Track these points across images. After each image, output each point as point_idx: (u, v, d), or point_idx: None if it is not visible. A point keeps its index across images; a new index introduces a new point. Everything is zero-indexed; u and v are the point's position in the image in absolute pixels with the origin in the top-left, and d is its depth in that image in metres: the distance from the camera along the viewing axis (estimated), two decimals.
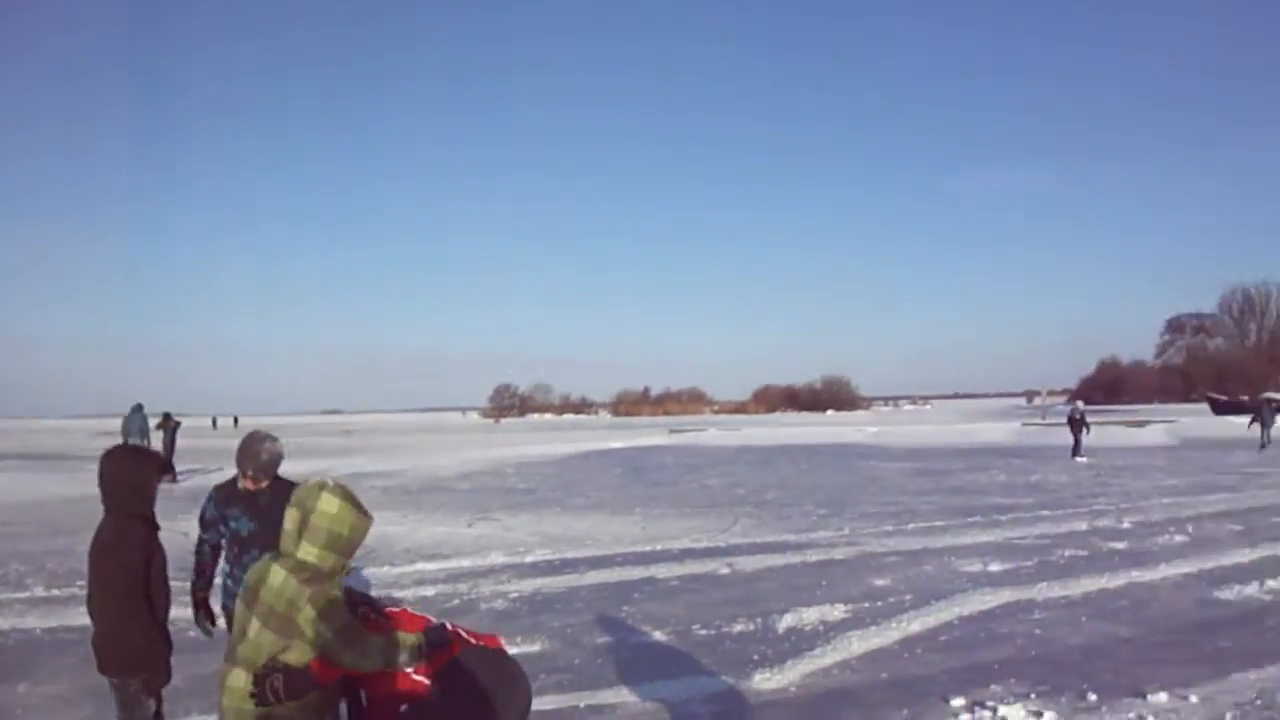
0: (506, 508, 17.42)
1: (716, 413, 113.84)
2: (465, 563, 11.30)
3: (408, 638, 3.11)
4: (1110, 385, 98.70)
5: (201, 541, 4.93)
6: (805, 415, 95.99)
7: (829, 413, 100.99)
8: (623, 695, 6.02)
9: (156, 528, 3.97)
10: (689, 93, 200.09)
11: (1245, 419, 35.53)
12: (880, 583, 9.53)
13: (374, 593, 9.60)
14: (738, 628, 7.82)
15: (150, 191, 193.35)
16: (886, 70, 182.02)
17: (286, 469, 4.96)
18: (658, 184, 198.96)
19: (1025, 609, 8.22)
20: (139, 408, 23.70)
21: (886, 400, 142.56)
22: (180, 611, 4.76)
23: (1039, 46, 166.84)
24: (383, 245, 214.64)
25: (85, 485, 7.17)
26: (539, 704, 5.81)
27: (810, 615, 8.14)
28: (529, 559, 11.52)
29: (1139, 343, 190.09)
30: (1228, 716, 5.27)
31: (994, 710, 5.50)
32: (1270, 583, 8.87)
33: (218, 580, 4.93)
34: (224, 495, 4.86)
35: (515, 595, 9.37)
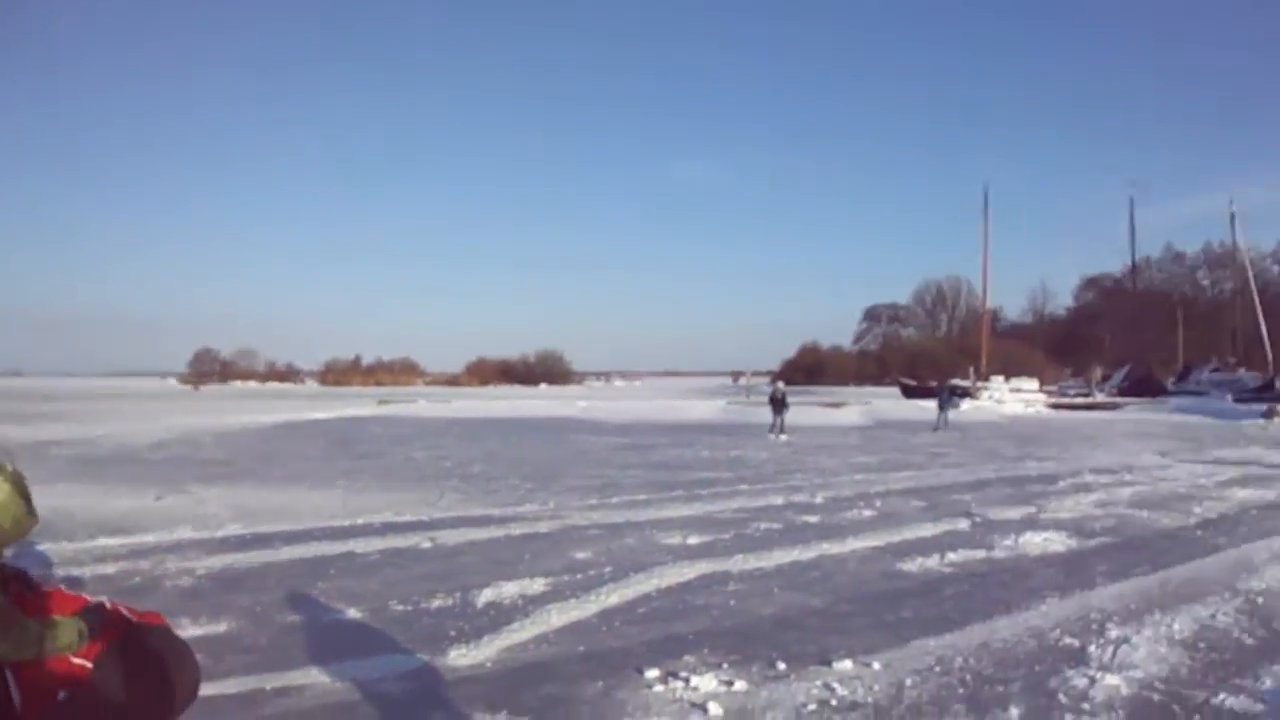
0: (200, 480, 17.10)
1: (429, 384, 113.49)
2: (150, 538, 10.97)
3: (65, 621, 2.96)
4: (811, 368, 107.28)
5: None
6: (518, 389, 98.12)
7: (542, 387, 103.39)
8: (312, 676, 5.98)
9: None
10: (397, 57, 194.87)
11: (934, 403, 39.81)
12: (581, 556, 9.98)
13: (51, 571, 8.92)
14: (436, 603, 7.95)
15: None
16: (605, 56, 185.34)
17: None
18: (374, 143, 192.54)
19: (721, 581, 8.82)
20: None
21: (599, 376, 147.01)
22: None
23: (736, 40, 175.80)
24: (70, 197, 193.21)
25: None
26: (222, 687, 5.63)
27: (510, 589, 8.38)
28: (220, 534, 11.33)
29: (838, 329, 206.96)
30: (908, 682, 5.91)
31: (687, 680, 5.88)
32: (950, 555, 10.00)
33: None
34: None
35: (203, 572, 9.18)
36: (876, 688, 5.82)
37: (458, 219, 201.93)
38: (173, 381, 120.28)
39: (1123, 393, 58.12)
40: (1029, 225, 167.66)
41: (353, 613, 7.68)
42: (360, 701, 5.58)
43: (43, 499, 3.40)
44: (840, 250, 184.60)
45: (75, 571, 9.05)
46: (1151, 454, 23.35)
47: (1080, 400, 55.10)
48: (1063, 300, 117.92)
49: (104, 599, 3.24)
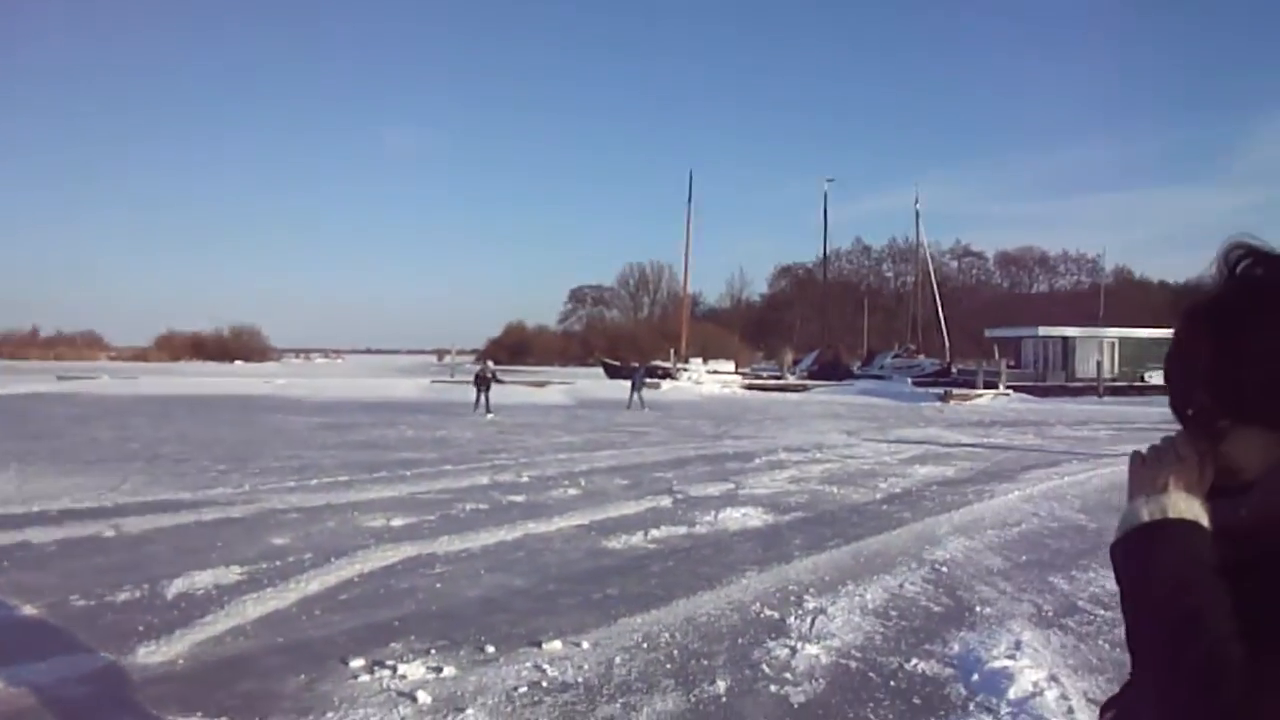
0: None
1: (114, 360, 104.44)
2: None
3: None
4: (516, 347, 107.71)
5: None
6: (211, 365, 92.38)
7: (237, 364, 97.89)
8: None
9: None
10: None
11: (658, 383, 41.02)
12: (280, 541, 9.52)
13: None
14: (122, 596, 7.39)
15: None
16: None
17: None
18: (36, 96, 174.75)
19: (426, 563, 8.62)
20: None
21: (298, 353, 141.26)
22: None
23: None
24: None
25: None
26: None
27: (203, 579, 7.90)
28: None
29: (544, 309, 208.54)
30: (617, 660, 5.95)
31: (394, 669, 5.69)
32: (654, 532, 10.21)
33: None
34: None
35: None
36: (586, 667, 5.82)
37: (141, 182, 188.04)
38: None
39: (812, 376, 61.66)
40: (730, 214, 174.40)
41: (29, 609, 7.04)
42: (38, 707, 5.08)
43: None
44: (548, 231, 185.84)
45: None
46: (839, 433, 24.83)
47: (773, 382, 57.93)
48: (759, 287, 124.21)
49: None
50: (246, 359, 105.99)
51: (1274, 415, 1.29)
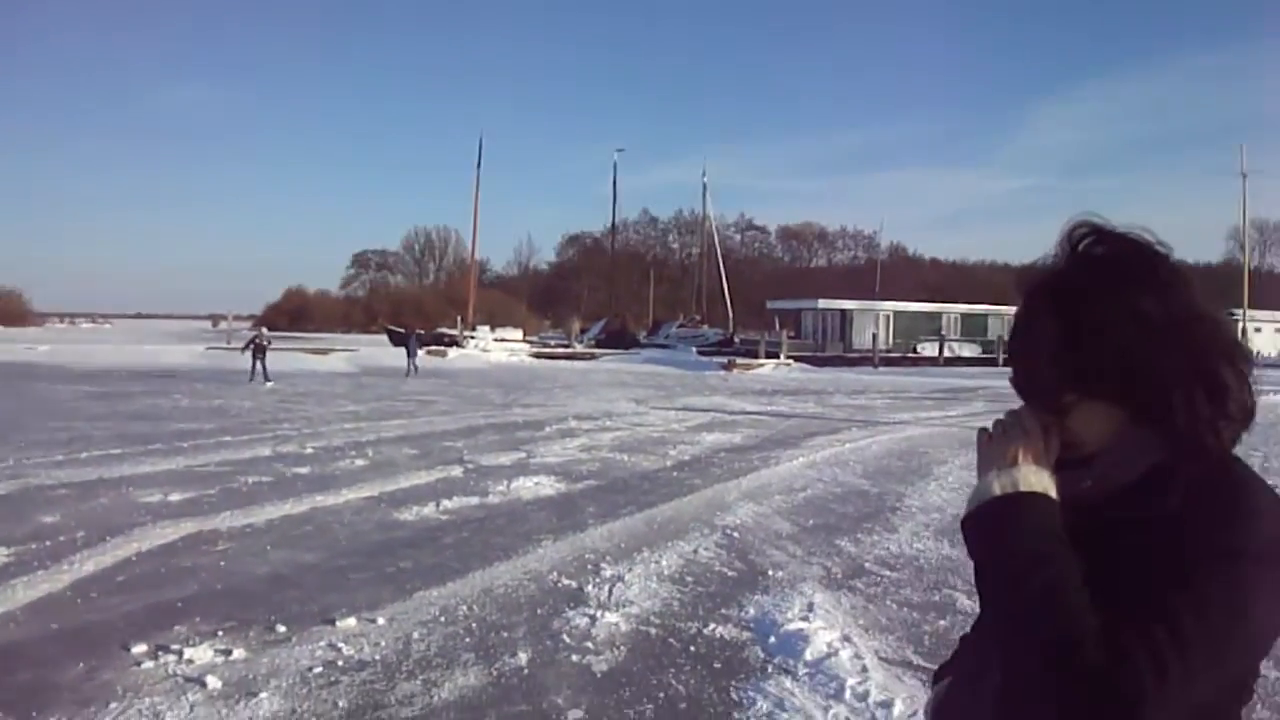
0: None
1: None
2: None
3: None
4: (296, 313, 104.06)
5: None
6: None
7: None
8: None
9: None
10: None
11: (423, 351, 40.34)
12: (49, 520, 8.92)
13: None
14: None
15: None
16: None
17: None
18: None
19: (209, 540, 8.24)
20: None
21: (63, 317, 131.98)
22: None
23: None
24: None
25: None
26: None
27: None
28: None
29: (326, 274, 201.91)
30: (415, 635, 5.83)
31: (179, 654, 5.40)
32: (446, 503, 10.06)
33: None
34: None
35: None
36: (383, 644, 5.67)
37: None
38: None
39: (600, 344, 62.15)
40: (519, 182, 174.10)
41: None
42: None
43: None
44: (330, 193, 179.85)
45: None
46: (628, 401, 25.12)
47: (561, 350, 58.13)
48: (546, 255, 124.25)
49: None
50: (7, 324, 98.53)
51: (1116, 390, 1.33)
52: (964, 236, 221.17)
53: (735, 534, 8.97)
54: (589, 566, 7.64)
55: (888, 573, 7.69)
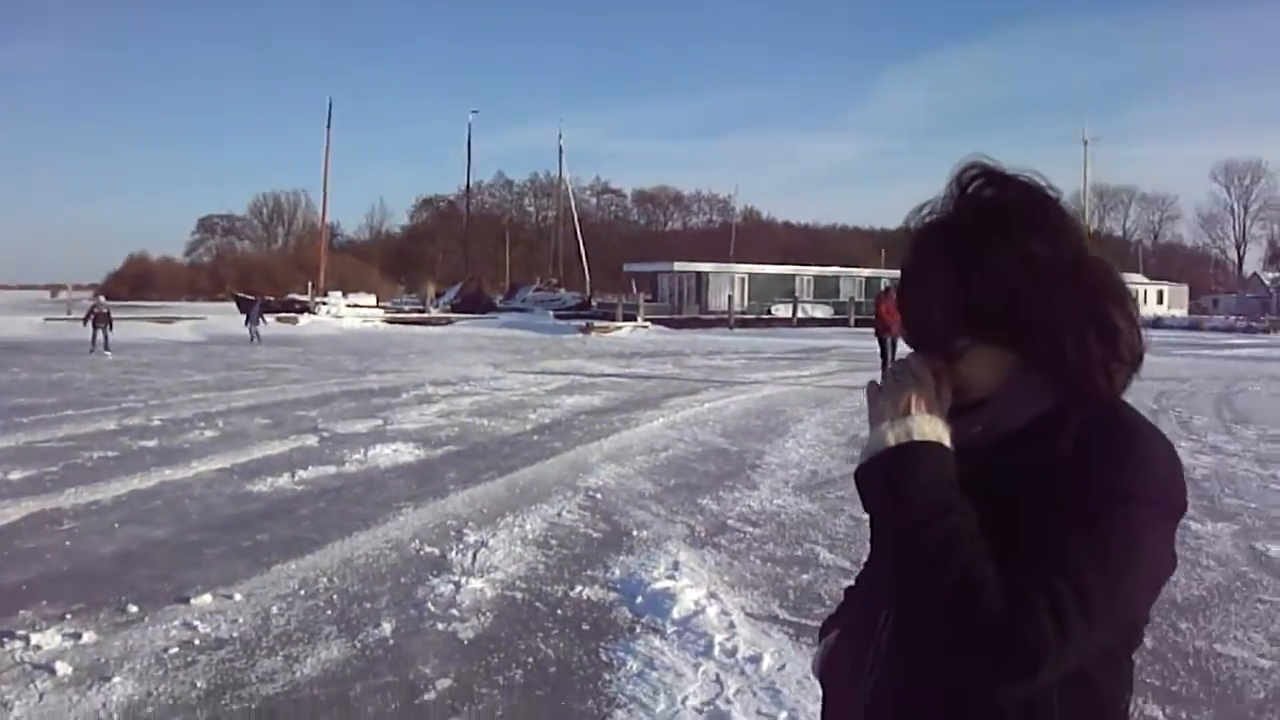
0: None
1: None
2: None
3: None
4: (139, 281, 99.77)
5: None
6: None
7: None
8: None
9: None
10: None
11: (271, 318, 39.31)
12: None
13: None
14: None
15: None
16: None
17: None
18: None
19: (53, 519, 7.84)
20: None
21: None
22: None
23: None
24: None
25: None
26: None
27: None
28: None
29: (169, 239, 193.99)
30: (273, 610, 5.66)
31: (26, 639, 5.10)
32: (301, 473, 9.80)
33: None
34: None
35: None
36: (241, 620, 5.49)
37: None
38: None
39: (455, 309, 61.44)
40: (371, 144, 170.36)
41: None
42: None
43: None
44: (173, 156, 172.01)
45: None
46: (486, 366, 24.91)
47: (416, 315, 57.25)
48: (399, 219, 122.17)
49: None
50: None
51: (1009, 334, 1.33)
52: (817, 200, 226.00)
53: (598, 495, 8.98)
54: (451, 533, 7.54)
55: (750, 529, 7.81)
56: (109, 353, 26.78)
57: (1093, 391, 1.33)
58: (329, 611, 5.68)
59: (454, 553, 6.97)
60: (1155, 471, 1.28)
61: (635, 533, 7.64)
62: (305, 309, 53.07)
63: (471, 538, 7.38)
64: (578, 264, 73.29)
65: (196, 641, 5.15)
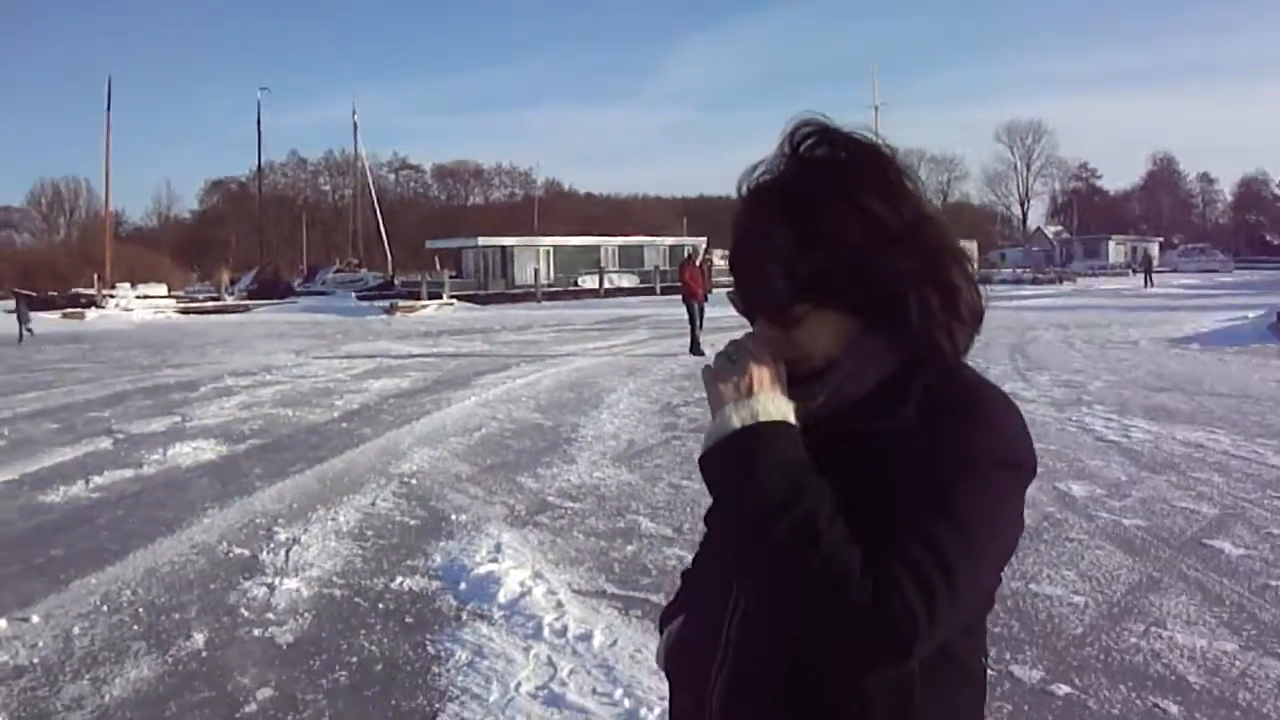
0: None
1: None
2: None
3: None
4: None
5: None
6: None
7: None
8: None
9: None
10: None
11: (54, 314, 36.98)
12: None
13: None
14: None
15: None
16: None
17: None
18: None
19: None
20: None
21: None
22: None
23: None
24: None
25: None
26: None
27: None
28: None
29: None
30: (75, 630, 5.31)
31: None
32: (96, 479, 9.24)
33: None
34: None
35: None
36: (41, 644, 5.12)
37: None
38: None
39: (252, 295, 59.17)
40: (154, 125, 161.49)
41: None
42: None
43: None
44: None
45: None
46: (287, 353, 24.08)
47: (211, 304, 54.92)
48: (189, 203, 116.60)
49: None
50: None
51: (849, 298, 1.29)
52: (619, 170, 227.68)
53: (413, 481, 8.80)
54: (261, 532, 7.25)
55: (571, 504, 7.79)
56: None
57: (936, 354, 1.31)
58: (136, 626, 5.37)
59: (265, 553, 6.69)
60: (1005, 435, 1.27)
61: (454, 517, 7.51)
62: (92, 303, 50.11)
63: (283, 535, 7.11)
64: (378, 243, 71.66)
65: None
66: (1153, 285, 54.90)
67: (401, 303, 46.35)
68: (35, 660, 4.93)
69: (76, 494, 8.76)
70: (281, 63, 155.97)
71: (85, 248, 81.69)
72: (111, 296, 53.21)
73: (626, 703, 4.17)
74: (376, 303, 48.11)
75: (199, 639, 5.14)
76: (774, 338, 1.33)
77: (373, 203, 73.39)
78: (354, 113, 76.25)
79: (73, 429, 12.57)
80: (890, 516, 1.18)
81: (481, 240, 60.68)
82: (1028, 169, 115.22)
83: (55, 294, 48.88)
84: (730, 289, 1.42)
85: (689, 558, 6.25)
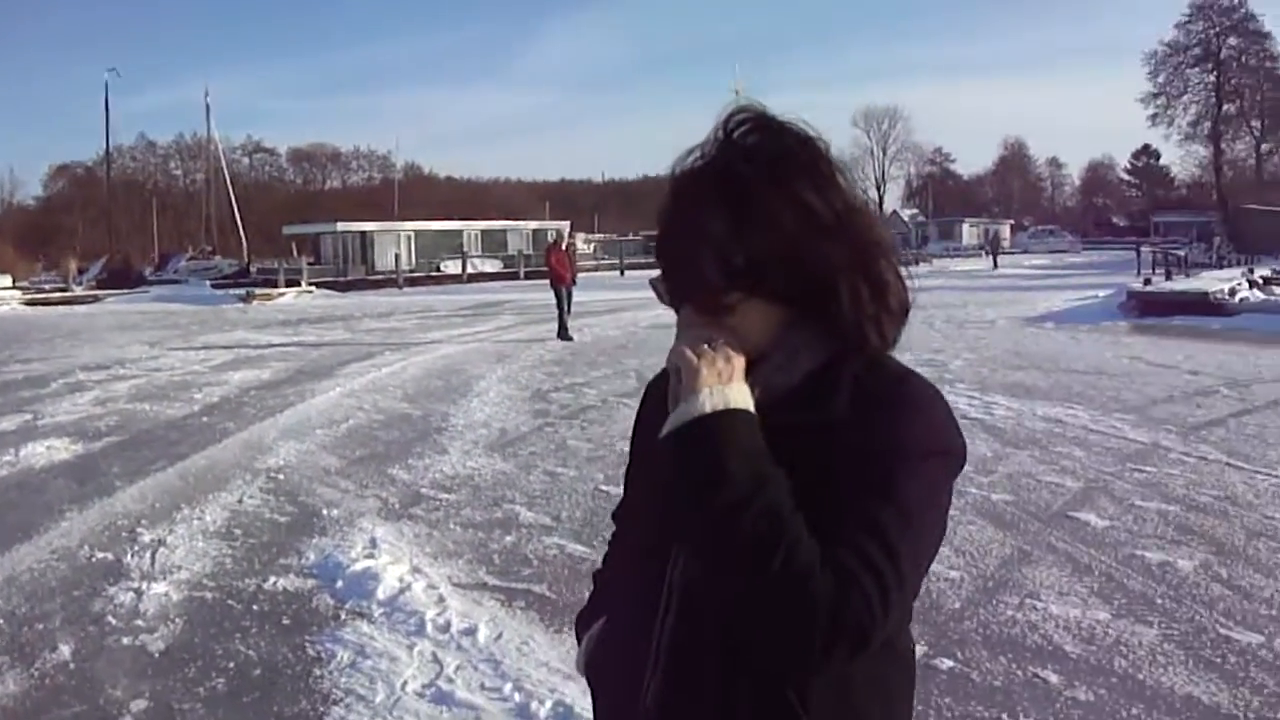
0: None
1: None
2: None
3: None
4: None
5: None
6: None
7: None
8: None
9: None
10: None
11: None
12: None
13: None
14: None
15: None
16: None
17: None
18: None
19: None
20: None
21: None
22: None
23: None
24: None
25: None
26: None
27: None
28: None
29: None
30: None
31: None
32: None
33: None
34: None
35: None
36: None
37: None
38: None
39: (102, 285, 56.61)
40: None
41: None
42: None
43: None
44: None
45: None
46: (141, 345, 23.15)
47: (58, 295, 52.39)
48: (32, 189, 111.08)
49: None
50: None
51: (781, 287, 1.28)
52: (480, 154, 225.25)
53: (280, 476, 8.56)
54: (124, 534, 6.95)
55: (445, 496, 7.69)
56: None
57: (865, 345, 1.31)
58: None
59: (130, 556, 6.42)
60: (936, 423, 1.29)
61: (325, 512, 7.34)
62: None
63: (147, 537, 6.83)
64: (233, 229, 69.34)
65: None
66: (998, 266, 56.88)
67: (258, 291, 44.95)
68: None
69: None
70: (129, 43, 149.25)
71: None
72: None
73: (517, 697, 4.14)
74: (232, 291, 46.56)
75: (65, 650, 4.90)
76: (700, 326, 1.31)
77: (226, 187, 71.02)
78: (206, 94, 73.54)
79: None
80: (834, 508, 1.18)
81: (340, 225, 59.27)
82: (884, 153, 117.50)
83: None
84: (655, 275, 1.38)
85: (570, 547, 6.29)
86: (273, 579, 5.88)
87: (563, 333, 19.51)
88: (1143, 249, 46.91)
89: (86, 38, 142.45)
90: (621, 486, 1.69)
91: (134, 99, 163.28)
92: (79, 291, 53.84)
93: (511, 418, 11.04)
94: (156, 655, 4.84)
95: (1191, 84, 75.05)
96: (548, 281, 20.74)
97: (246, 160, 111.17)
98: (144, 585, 5.80)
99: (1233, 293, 24.37)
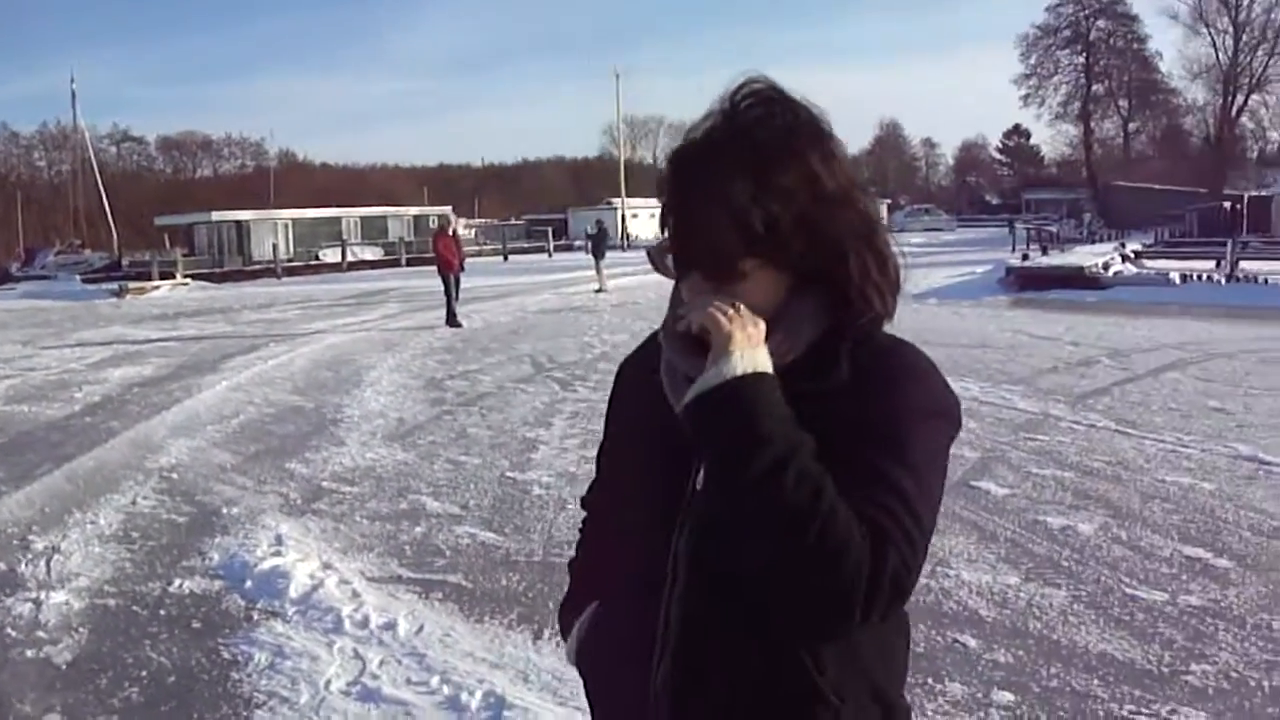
0: None
1: None
2: None
3: None
4: None
5: None
6: None
7: None
8: None
9: None
10: None
11: None
12: None
13: None
14: None
15: None
16: None
17: None
18: None
19: None
20: None
21: None
22: None
23: None
24: None
25: None
26: None
27: None
28: None
29: None
30: None
31: None
32: None
33: None
34: None
35: None
36: None
37: None
38: None
39: None
40: None
41: None
42: None
43: None
44: None
45: None
46: (12, 344, 22.10)
47: None
48: None
49: None
50: None
51: (792, 256, 1.30)
52: (356, 139, 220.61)
53: (174, 475, 8.27)
54: (15, 542, 6.63)
55: (348, 488, 7.54)
56: None
57: (870, 312, 1.34)
58: None
59: (23, 565, 6.13)
60: (935, 388, 1.33)
61: (225, 510, 7.12)
62: None
63: (40, 544, 6.53)
64: (102, 221, 66.74)
65: None
66: None
67: (132, 284, 43.31)
68: None
69: None
70: None
71: None
72: None
73: (445, 689, 4.08)
74: (104, 285, 44.70)
75: None
76: (703, 289, 1.32)
77: (94, 178, 68.26)
78: (72, 81, 70.55)
79: None
80: (851, 471, 1.20)
81: (215, 215, 57.49)
82: None
83: None
84: (654, 244, 1.38)
85: (481, 535, 6.23)
86: (178, 582, 5.68)
87: (452, 319, 19.27)
88: (1016, 225, 48.27)
89: None
90: (594, 467, 1.73)
91: None
92: None
93: (408, 407, 10.87)
94: (64, 667, 4.63)
95: (1062, 65, 76.93)
96: (434, 268, 20.45)
97: (114, 150, 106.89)
98: (42, 595, 5.54)
99: (1107, 266, 25.36)
